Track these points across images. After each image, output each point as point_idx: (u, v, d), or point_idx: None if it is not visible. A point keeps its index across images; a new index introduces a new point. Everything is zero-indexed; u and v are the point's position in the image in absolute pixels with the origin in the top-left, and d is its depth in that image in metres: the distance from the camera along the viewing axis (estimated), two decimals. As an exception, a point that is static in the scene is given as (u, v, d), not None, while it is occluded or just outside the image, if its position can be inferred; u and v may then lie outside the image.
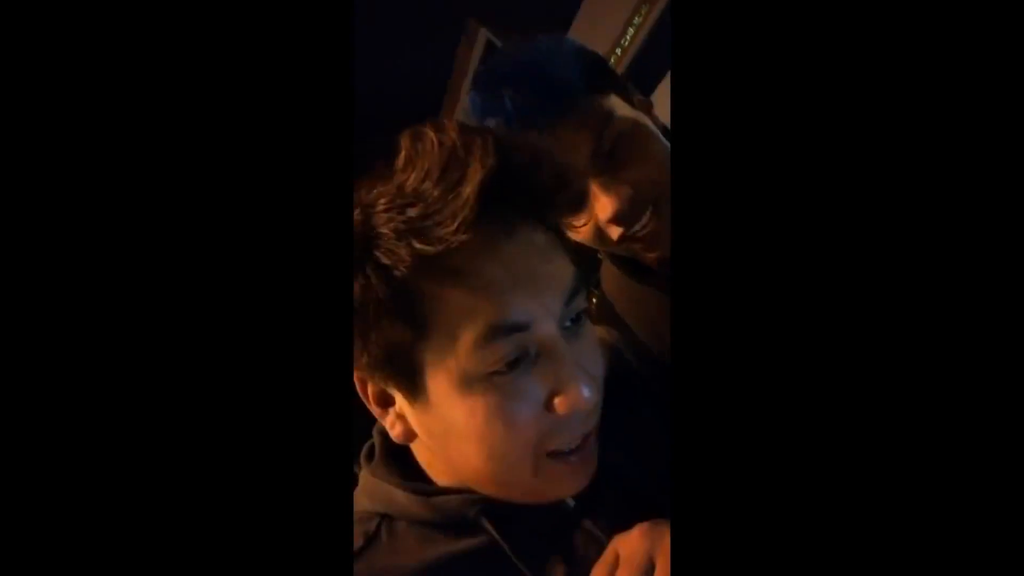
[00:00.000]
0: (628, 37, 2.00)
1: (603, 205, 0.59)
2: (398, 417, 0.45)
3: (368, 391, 0.44)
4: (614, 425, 0.46)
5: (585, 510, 0.46)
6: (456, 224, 0.37)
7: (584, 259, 0.46)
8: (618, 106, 0.61)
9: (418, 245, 0.37)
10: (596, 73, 0.62)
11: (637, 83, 0.70)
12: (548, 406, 0.41)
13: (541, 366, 0.40)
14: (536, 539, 0.45)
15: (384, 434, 0.49)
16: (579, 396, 0.40)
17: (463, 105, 0.63)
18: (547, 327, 0.40)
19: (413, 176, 0.39)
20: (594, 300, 0.74)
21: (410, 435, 0.45)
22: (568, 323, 0.42)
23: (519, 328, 0.39)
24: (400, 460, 0.49)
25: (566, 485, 0.45)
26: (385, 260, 0.38)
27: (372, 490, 0.48)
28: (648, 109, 0.65)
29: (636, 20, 1.97)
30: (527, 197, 0.41)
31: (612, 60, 1.99)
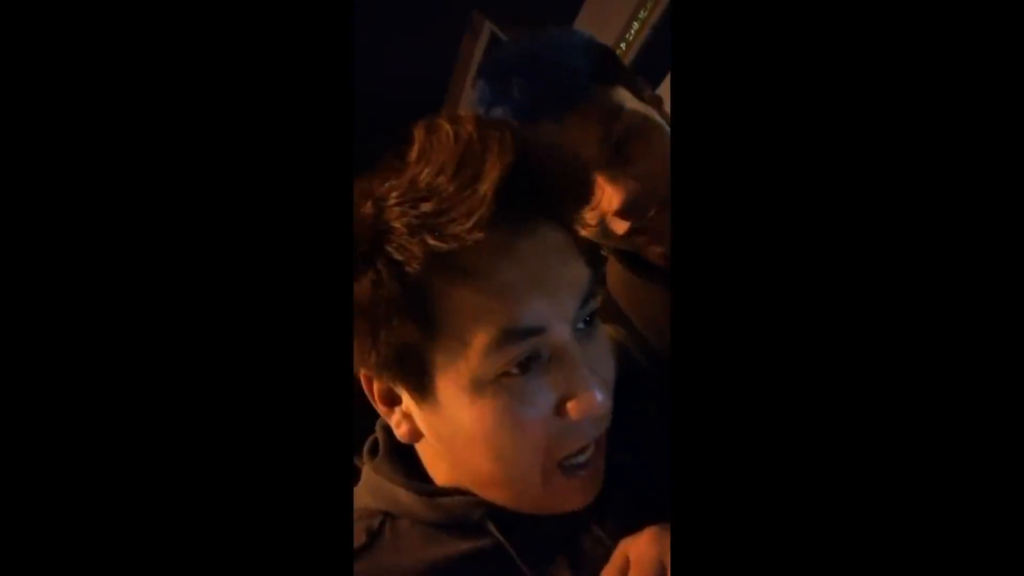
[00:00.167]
0: (632, 32, 1.99)
1: (609, 198, 0.58)
2: (404, 416, 0.44)
3: (374, 389, 0.43)
4: (621, 425, 0.45)
5: (592, 512, 0.45)
6: (472, 222, 0.35)
7: (597, 259, 0.45)
8: (627, 99, 0.60)
9: (432, 242, 0.36)
10: (606, 66, 0.61)
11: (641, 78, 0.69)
12: (560, 411, 0.40)
13: (554, 370, 0.39)
14: (541, 541, 0.44)
15: (388, 430, 0.48)
16: (592, 401, 0.39)
17: (467, 96, 0.62)
18: (561, 331, 0.39)
19: (427, 170, 0.37)
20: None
21: (416, 435, 0.44)
22: (581, 324, 0.41)
23: (533, 332, 0.38)
24: (404, 458, 0.48)
25: (574, 499, 0.44)
26: (397, 256, 0.37)
27: (375, 487, 0.47)
28: (659, 104, 0.64)
29: (641, 15, 1.96)
30: (545, 196, 0.39)
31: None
